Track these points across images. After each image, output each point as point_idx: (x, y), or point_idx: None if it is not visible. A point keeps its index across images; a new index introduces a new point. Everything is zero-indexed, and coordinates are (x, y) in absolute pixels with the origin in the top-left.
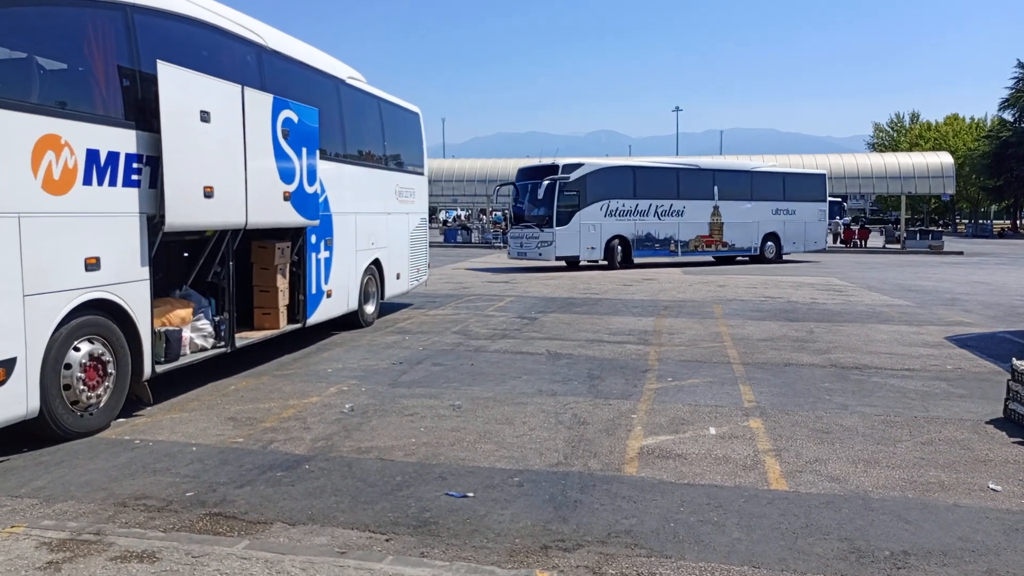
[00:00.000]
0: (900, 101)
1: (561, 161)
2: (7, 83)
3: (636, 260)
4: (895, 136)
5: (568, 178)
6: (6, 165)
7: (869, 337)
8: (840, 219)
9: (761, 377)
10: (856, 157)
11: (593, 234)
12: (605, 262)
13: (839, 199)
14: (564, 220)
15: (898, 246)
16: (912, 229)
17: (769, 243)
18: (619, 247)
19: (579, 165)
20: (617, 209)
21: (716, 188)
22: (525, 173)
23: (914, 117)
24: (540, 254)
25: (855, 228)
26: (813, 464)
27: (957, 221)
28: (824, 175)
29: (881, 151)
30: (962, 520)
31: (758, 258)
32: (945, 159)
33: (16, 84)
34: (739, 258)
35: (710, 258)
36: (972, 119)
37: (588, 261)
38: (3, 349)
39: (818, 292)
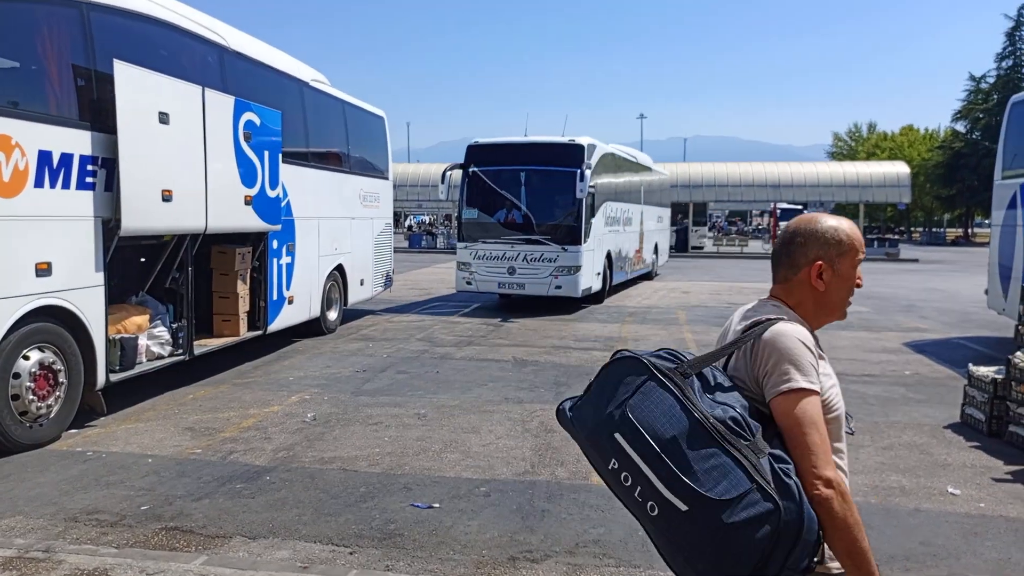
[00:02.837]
0: (858, 111)
1: (584, 140)
2: None
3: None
4: (853, 145)
5: (592, 166)
6: None
7: (830, 343)
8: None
9: None
10: (816, 166)
11: (598, 254)
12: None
13: (800, 207)
14: (588, 233)
15: None
16: (869, 237)
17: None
18: (607, 272)
19: (587, 147)
20: (610, 216)
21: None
22: (518, 152)
23: (871, 127)
24: (557, 287)
25: None
26: None
27: (912, 229)
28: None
29: (840, 160)
30: (923, 525)
31: None
32: (901, 169)
33: None
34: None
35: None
36: (926, 130)
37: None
38: None
39: None
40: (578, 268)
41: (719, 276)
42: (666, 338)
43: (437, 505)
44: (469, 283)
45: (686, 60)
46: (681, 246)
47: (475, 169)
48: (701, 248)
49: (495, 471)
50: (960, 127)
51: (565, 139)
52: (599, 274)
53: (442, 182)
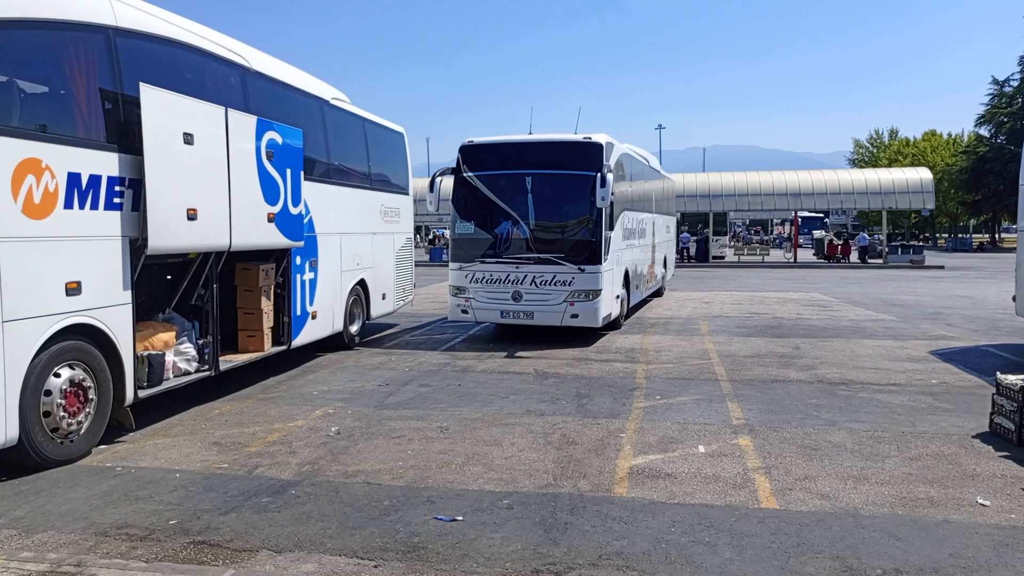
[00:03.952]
0: (879, 117)
1: (602, 138)
2: None
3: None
4: (875, 152)
5: (611, 168)
6: None
7: (854, 352)
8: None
9: (749, 394)
10: (837, 173)
11: (617, 274)
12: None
13: (821, 215)
14: (608, 249)
15: (879, 260)
16: (893, 244)
17: None
18: (625, 293)
19: (605, 145)
20: (628, 228)
21: None
22: (523, 153)
23: (893, 133)
24: (573, 315)
25: (838, 243)
26: (803, 481)
27: (937, 236)
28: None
29: (861, 167)
30: (952, 536)
31: None
32: (924, 174)
33: None
34: None
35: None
36: (949, 135)
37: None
38: None
39: (803, 308)
40: (598, 292)
41: (740, 286)
42: (688, 349)
43: (460, 518)
44: (465, 312)
45: (705, 70)
46: (701, 256)
47: (470, 174)
48: (722, 258)
49: (518, 484)
50: (984, 131)
51: (580, 136)
52: (618, 297)
53: (431, 191)
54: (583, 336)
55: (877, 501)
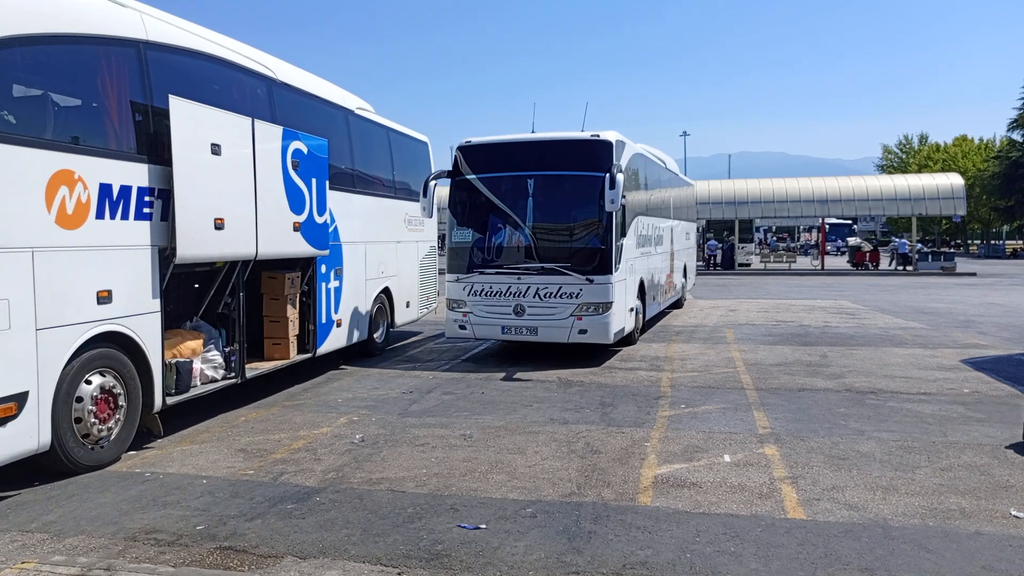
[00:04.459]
0: (909, 123)
1: (612, 136)
2: (23, 120)
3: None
4: (904, 158)
5: (622, 168)
6: (21, 200)
7: (884, 361)
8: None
9: (775, 403)
10: (866, 179)
11: (630, 285)
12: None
13: (849, 221)
14: (619, 257)
15: (909, 267)
16: (924, 251)
17: None
18: (640, 305)
19: (615, 144)
20: (642, 234)
21: None
22: (525, 153)
23: (923, 138)
24: (582, 331)
25: (867, 250)
26: (830, 492)
27: (969, 242)
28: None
29: (891, 173)
30: (985, 548)
31: None
32: (955, 180)
33: (32, 121)
34: None
35: None
36: (981, 140)
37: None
38: (15, 383)
39: (830, 315)
40: (608, 305)
41: (767, 293)
42: (714, 357)
43: (484, 526)
44: (463, 327)
45: (730, 77)
46: (727, 263)
47: (468, 177)
48: (748, 265)
49: (541, 492)
50: (1017, 136)
51: (587, 134)
52: (632, 310)
53: (424, 195)
54: (591, 355)
55: (907, 512)
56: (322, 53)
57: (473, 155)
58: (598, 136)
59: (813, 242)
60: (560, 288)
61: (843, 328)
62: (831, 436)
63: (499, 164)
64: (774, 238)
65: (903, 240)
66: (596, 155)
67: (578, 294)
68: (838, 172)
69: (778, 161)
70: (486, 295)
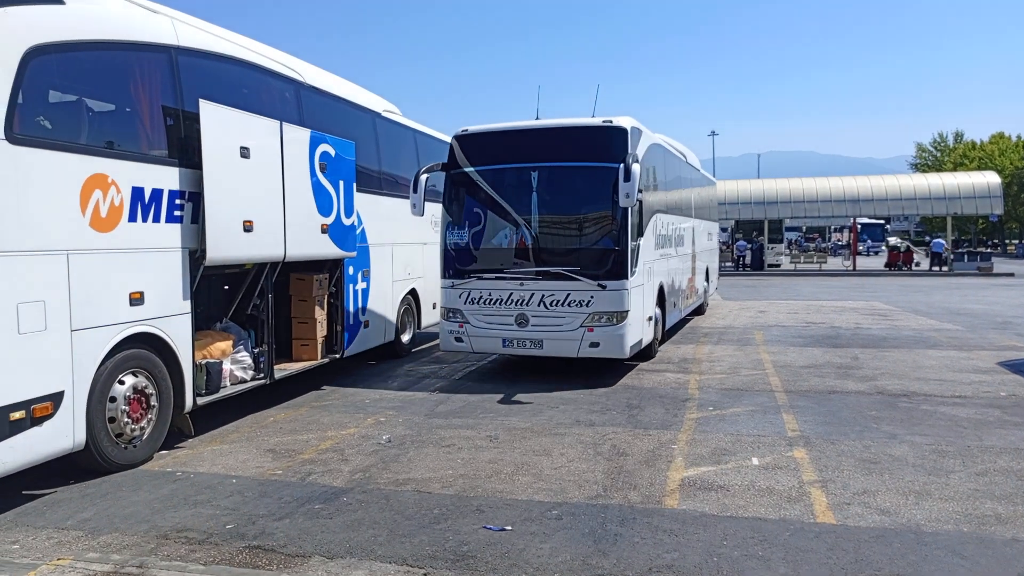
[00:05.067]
0: (943, 120)
1: (627, 122)
2: (59, 125)
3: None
4: (939, 156)
5: (639, 159)
6: (57, 204)
7: (917, 363)
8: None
9: (805, 405)
10: (898, 178)
11: (648, 290)
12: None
13: (882, 221)
14: (636, 259)
15: (944, 267)
16: (959, 251)
17: None
18: (660, 313)
19: (631, 131)
20: (661, 234)
21: None
22: (529, 142)
23: (958, 136)
24: (593, 344)
25: (900, 251)
26: (861, 496)
27: (1007, 242)
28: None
29: (925, 171)
30: (1021, 555)
31: None
32: (992, 179)
33: (67, 126)
34: None
35: None
36: (1019, 137)
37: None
38: (51, 383)
39: (862, 316)
40: (624, 315)
41: (797, 294)
42: (742, 359)
43: (510, 528)
44: (460, 339)
45: (759, 77)
46: (757, 264)
47: (465, 170)
48: (778, 266)
49: (567, 494)
50: None
51: (598, 120)
52: (651, 319)
53: (414, 191)
54: (602, 371)
55: (941, 517)
56: (307, 37)
57: (470, 145)
58: (611, 122)
59: (844, 242)
60: (568, 295)
61: (875, 330)
62: (862, 439)
63: (499, 155)
64: (803, 238)
65: (939, 239)
66: (609, 143)
67: (589, 302)
68: (870, 171)
69: (808, 160)
70: (485, 303)
